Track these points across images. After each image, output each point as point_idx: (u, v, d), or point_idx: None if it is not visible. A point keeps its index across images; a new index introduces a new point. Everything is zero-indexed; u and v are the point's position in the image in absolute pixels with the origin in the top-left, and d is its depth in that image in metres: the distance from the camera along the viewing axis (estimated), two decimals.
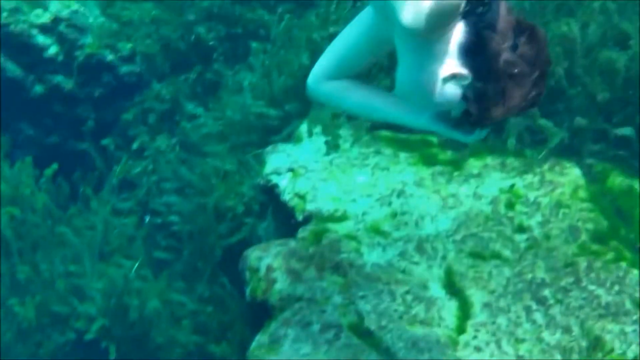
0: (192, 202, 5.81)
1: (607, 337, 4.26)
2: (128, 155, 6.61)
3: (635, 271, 4.69)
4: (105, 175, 6.55)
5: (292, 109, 5.79)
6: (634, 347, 4.21)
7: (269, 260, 4.60)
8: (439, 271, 4.64)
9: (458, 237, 4.87)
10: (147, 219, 6.26)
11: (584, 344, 4.15)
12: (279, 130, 5.79)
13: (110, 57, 6.73)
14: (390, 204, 5.09)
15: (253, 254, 4.69)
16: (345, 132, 5.59)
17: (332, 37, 5.63)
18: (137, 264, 5.81)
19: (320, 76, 3.42)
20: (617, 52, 5.38)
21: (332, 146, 5.43)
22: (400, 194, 5.16)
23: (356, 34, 3.35)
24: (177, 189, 6.07)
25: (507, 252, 4.83)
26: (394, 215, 5.01)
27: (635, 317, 4.39)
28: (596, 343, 4.12)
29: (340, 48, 3.41)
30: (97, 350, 5.59)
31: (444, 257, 4.72)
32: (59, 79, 6.67)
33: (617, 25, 5.44)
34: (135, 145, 6.62)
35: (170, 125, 6.63)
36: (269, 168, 5.33)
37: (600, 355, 4.05)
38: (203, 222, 5.70)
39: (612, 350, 4.13)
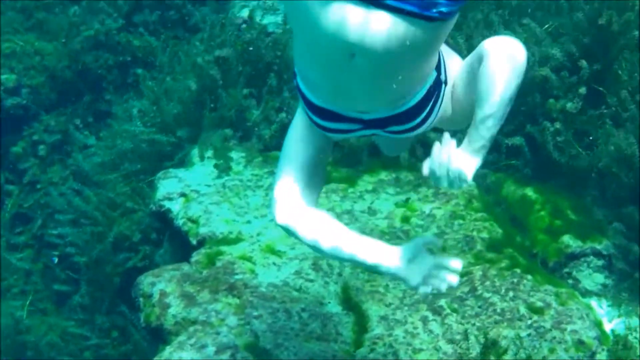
0: (87, 233, 5.69)
1: (503, 343, 4.27)
2: (19, 189, 6.46)
3: (530, 277, 4.72)
4: None
5: (183, 134, 5.74)
6: (529, 350, 4.23)
7: (161, 285, 4.52)
8: (335, 287, 4.62)
9: None
10: (56, 260, 6.13)
11: (479, 350, 4.15)
12: (171, 156, 5.74)
13: None
14: None
15: (146, 280, 4.60)
16: (237, 155, 5.56)
17: (217, 60, 5.67)
18: (28, 301, 5.68)
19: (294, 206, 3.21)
20: None
21: (223, 169, 5.39)
22: None
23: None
24: (72, 220, 5.96)
25: None
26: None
27: (529, 322, 4.41)
28: (491, 348, 4.12)
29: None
30: None
31: (339, 274, 4.70)
32: None
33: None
34: (26, 179, 6.49)
35: (62, 156, 6.52)
36: (160, 194, 5.27)
37: (493, 358, 4.06)
38: (100, 252, 5.61)
39: (505, 352, 4.14)
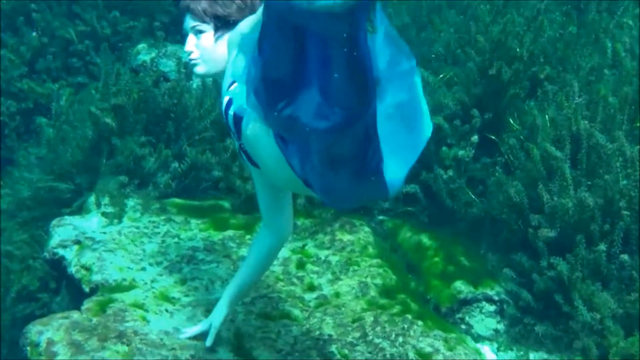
0: None
1: None
2: None
3: (420, 322, 4.79)
4: None
5: (82, 181, 5.71)
6: None
7: (49, 334, 4.45)
8: (227, 334, 4.61)
9: (248, 299, 4.87)
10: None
11: None
12: (70, 203, 5.70)
13: None
14: (180, 270, 5.05)
15: (33, 329, 4.52)
16: (133, 202, 5.56)
17: (114, 108, 5.68)
18: None
19: None
20: None
21: (117, 216, 5.38)
22: (191, 260, 5.13)
23: None
24: None
25: (296, 311, 4.85)
26: (183, 281, 4.97)
27: None
28: None
29: None
30: None
31: (232, 320, 4.69)
32: None
33: None
34: None
35: None
36: (54, 241, 5.22)
37: None
38: None
39: None
